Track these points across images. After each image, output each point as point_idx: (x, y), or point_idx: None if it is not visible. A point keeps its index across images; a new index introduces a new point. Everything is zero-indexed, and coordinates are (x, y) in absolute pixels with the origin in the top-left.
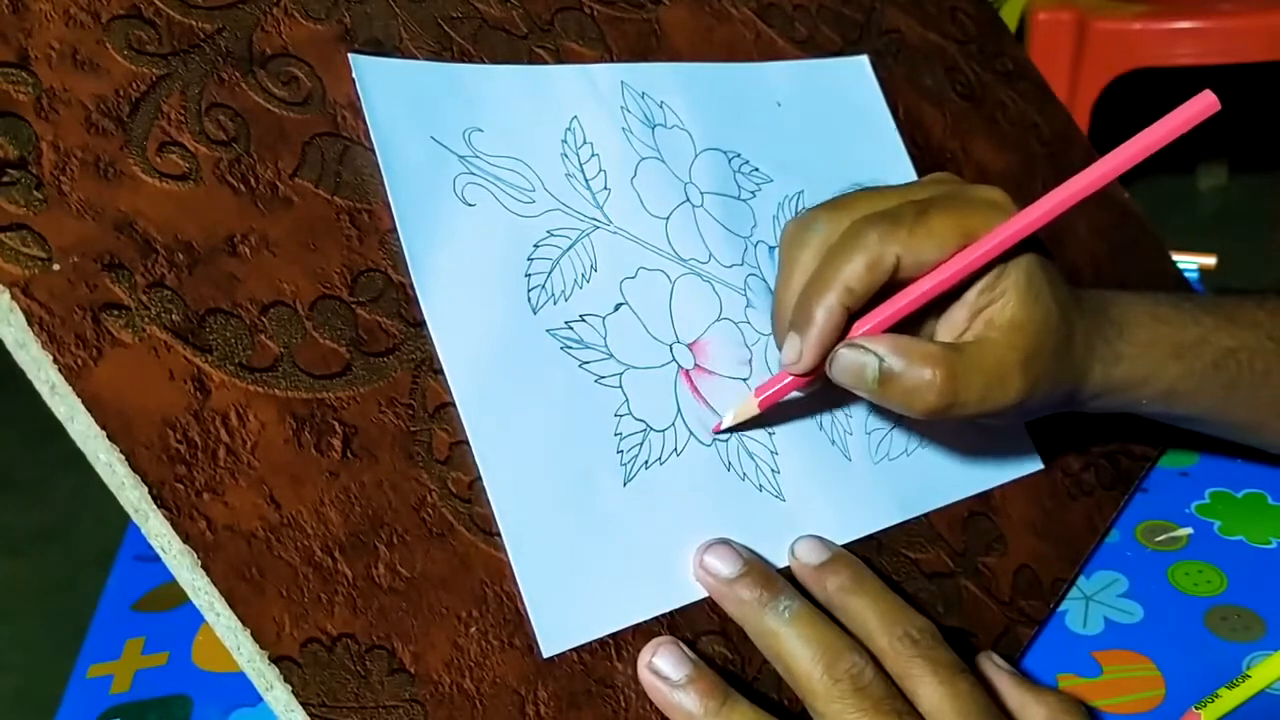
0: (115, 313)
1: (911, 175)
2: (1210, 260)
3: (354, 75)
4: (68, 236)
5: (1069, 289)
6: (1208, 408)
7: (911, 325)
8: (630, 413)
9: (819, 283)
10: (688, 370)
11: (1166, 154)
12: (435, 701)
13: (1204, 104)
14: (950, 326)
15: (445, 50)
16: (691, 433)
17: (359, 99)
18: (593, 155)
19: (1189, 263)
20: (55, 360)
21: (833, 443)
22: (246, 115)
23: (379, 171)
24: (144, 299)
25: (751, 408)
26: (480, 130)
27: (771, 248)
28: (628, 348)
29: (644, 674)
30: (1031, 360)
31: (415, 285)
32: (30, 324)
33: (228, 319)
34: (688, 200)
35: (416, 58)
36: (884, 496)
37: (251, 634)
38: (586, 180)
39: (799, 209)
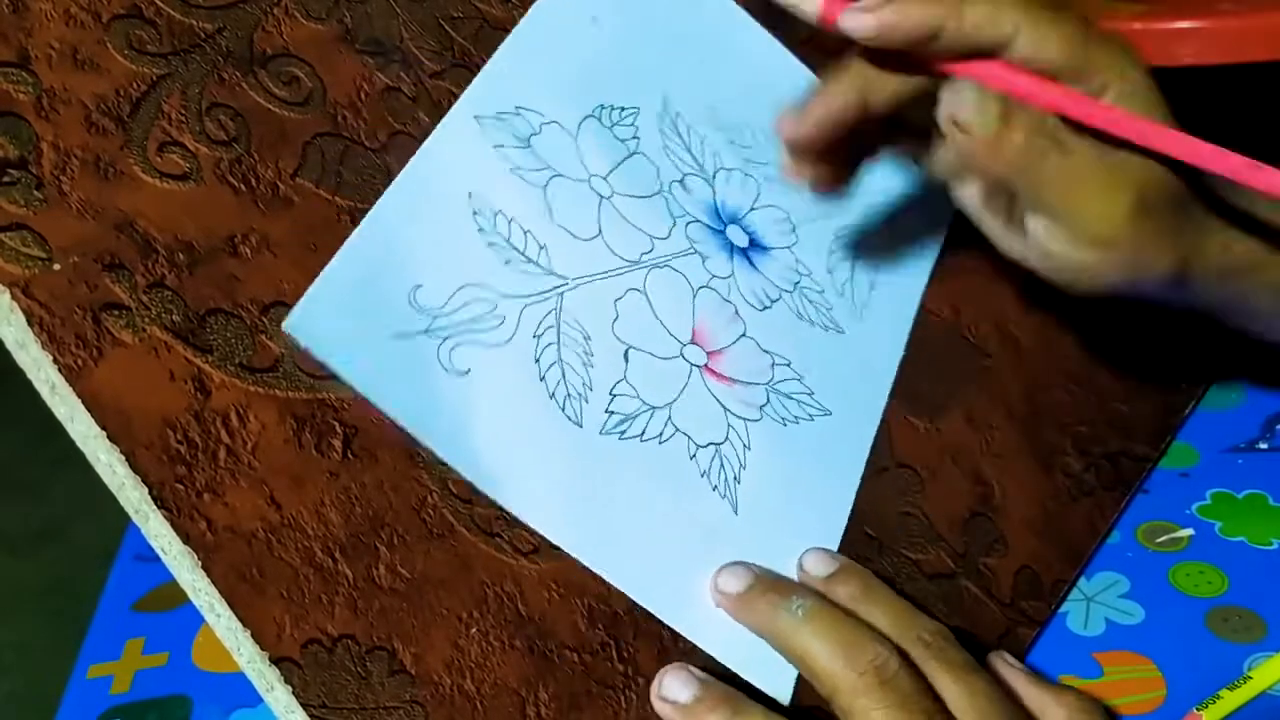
0: (115, 313)
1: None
2: None
3: (293, 338)
4: (68, 236)
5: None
6: None
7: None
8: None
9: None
10: (705, 365)
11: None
12: (436, 702)
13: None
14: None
15: (446, 50)
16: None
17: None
18: (509, 221)
19: None
20: (55, 360)
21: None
22: (247, 115)
23: (379, 173)
24: (144, 299)
25: (814, 4)
26: (421, 285)
27: (686, 175)
28: (650, 383)
29: (657, 704)
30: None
31: (469, 479)
32: (30, 324)
33: (228, 319)
34: (598, 196)
35: (418, 58)
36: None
37: (252, 635)
38: (523, 253)
39: (677, 121)
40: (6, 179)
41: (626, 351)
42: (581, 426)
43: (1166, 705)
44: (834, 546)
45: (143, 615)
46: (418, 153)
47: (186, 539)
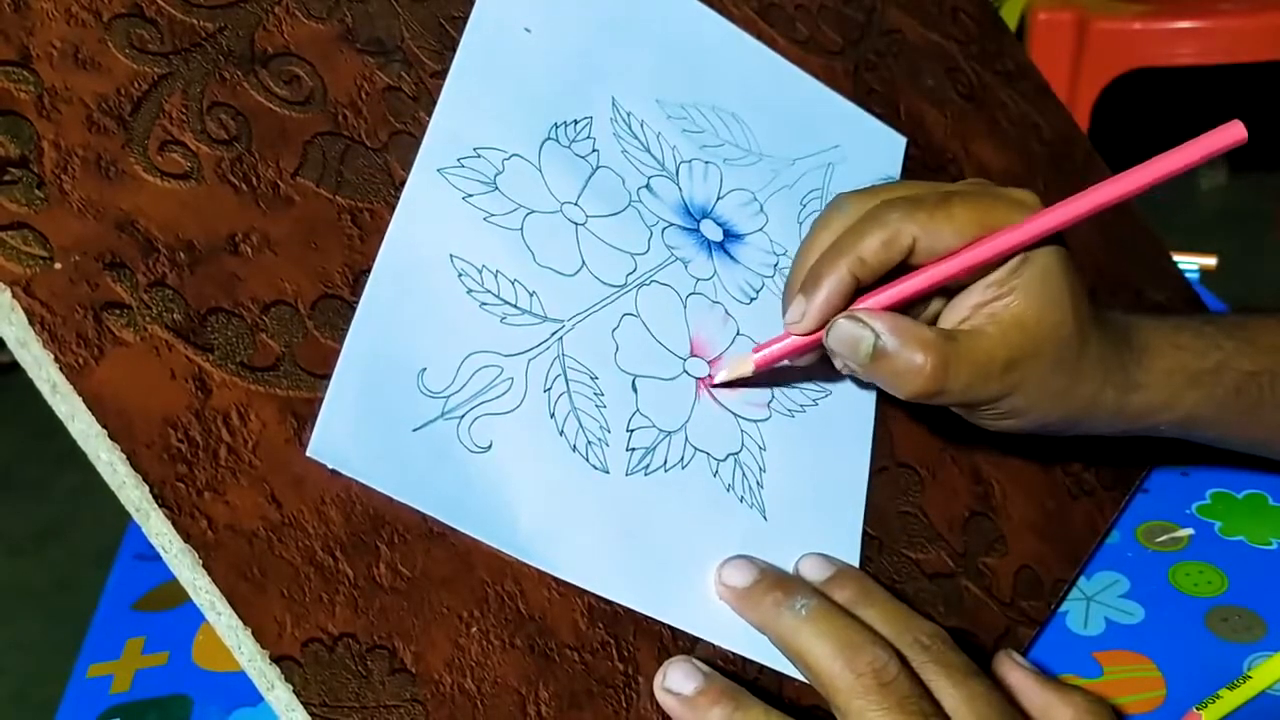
0: (116, 312)
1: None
2: (1210, 260)
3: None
4: (69, 235)
5: (1093, 307)
6: (1229, 431)
7: (919, 308)
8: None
9: (834, 251)
10: (703, 379)
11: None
12: (436, 701)
13: (1233, 134)
14: (955, 313)
15: (447, 49)
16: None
17: (361, 100)
18: (495, 274)
19: (1189, 263)
20: (56, 359)
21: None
22: (248, 114)
23: (380, 172)
24: (145, 298)
25: (747, 366)
26: (426, 368)
27: (651, 178)
28: (661, 409)
29: (660, 695)
30: (1020, 362)
31: (516, 556)
32: (31, 323)
33: (229, 318)
34: (573, 224)
35: (419, 57)
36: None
37: (253, 633)
38: (515, 305)
39: (630, 121)
40: (8, 178)
41: (634, 382)
42: (608, 473)
43: (1166, 705)
44: (857, 527)
45: (143, 615)
46: (390, 226)
47: (187, 537)
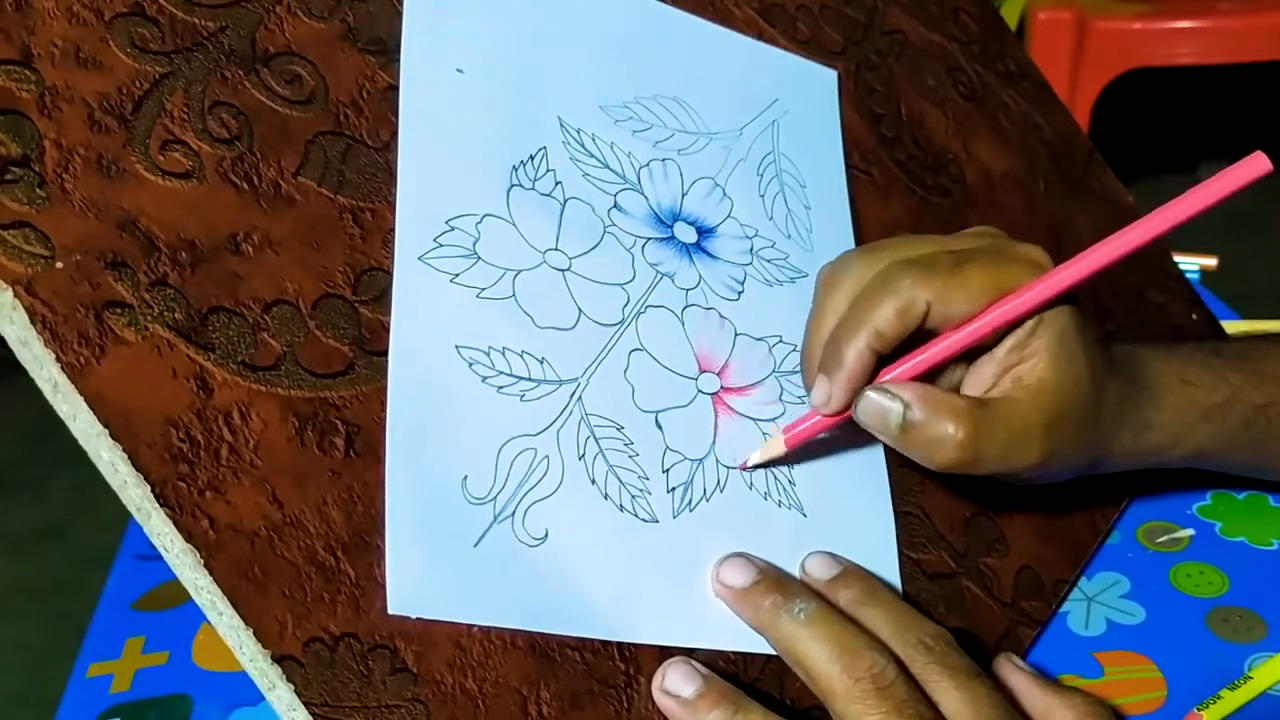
0: (118, 311)
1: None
2: (1210, 261)
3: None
4: (70, 234)
5: (1103, 351)
6: (1237, 461)
7: (939, 375)
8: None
9: (849, 325)
10: (716, 394)
11: (1167, 154)
12: (438, 701)
13: (1256, 166)
14: (978, 380)
15: None
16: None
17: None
18: (503, 353)
19: (1189, 263)
20: (58, 358)
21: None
22: (249, 114)
23: (381, 171)
24: (147, 297)
25: (778, 447)
26: (466, 475)
27: (617, 194)
28: (688, 438)
29: (659, 697)
30: (1056, 424)
31: (601, 639)
32: (33, 322)
33: (230, 317)
34: (559, 272)
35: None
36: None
37: (254, 633)
38: (529, 378)
39: (581, 138)
40: (9, 177)
41: (656, 418)
42: (658, 521)
43: (1167, 705)
44: (888, 505)
45: (143, 614)
46: (391, 335)
47: (189, 537)
